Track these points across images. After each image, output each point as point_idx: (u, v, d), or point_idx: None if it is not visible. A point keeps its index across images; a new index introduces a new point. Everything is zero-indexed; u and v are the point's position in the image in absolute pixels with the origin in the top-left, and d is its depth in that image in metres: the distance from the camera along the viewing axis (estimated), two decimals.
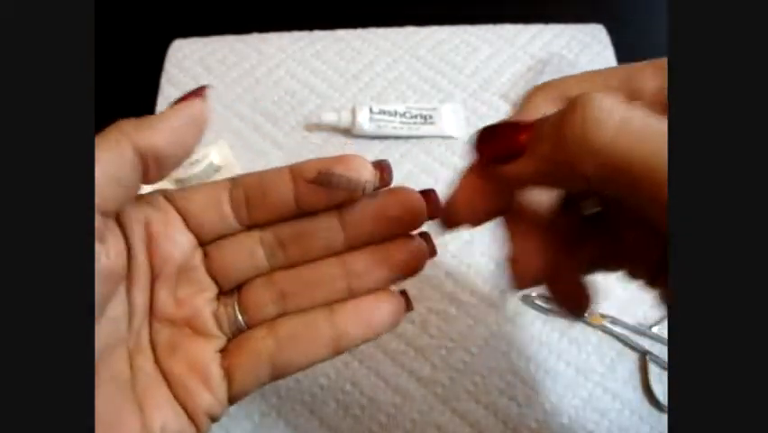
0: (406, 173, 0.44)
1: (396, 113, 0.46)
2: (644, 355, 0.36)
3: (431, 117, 0.46)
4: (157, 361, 0.21)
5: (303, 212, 0.21)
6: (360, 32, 0.52)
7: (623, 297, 0.38)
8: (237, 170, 0.43)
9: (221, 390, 0.21)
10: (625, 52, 0.51)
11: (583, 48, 0.51)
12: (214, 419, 0.21)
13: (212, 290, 0.22)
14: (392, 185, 0.22)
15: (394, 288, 0.22)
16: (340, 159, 0.20)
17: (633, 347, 0.37)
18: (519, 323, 0.37)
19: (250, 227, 0.22)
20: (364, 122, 0.45)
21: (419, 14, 0.53)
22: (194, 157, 0.42)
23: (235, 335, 0.22)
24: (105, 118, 0.19)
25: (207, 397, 0.21)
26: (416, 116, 0.46)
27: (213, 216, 0.21)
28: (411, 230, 0.22)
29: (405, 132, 0.45)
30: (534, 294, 0.38)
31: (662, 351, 0.36)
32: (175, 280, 0.21)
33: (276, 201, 0.21)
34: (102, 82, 0.34)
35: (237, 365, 0.21)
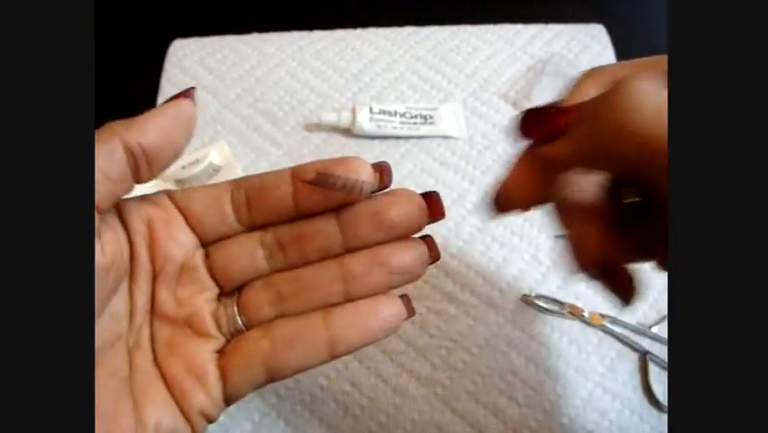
0: (406, 173, 0.44)
1: (396, 113, 0.46)
2: (644, 355, 0.36)
3: (431, 117, 0.46)
4: (156, 359, 0.21)
5: (302, 214, 0.21)
6: (360, 31, 0.52)
7: None
8: (237, 170, 0.43)
9: (216, 390, 0.21)
10: (625, 52, 0.51)
11: (583, 48, 0.51)
12: (209, 419, 0.21)
13: (212, 291, 0.22)
14: (392, 185, 0.21)
15: (395, 292, 0.22)
16: (339, 160, 0.20)
17: (633, 347, 0.37)
18: (519, 323, 0.37)
19: (251, 229, 0.22)
20: (364, 122, 0.45)
21: (419, 14, 0.53)
22: (194, 157, 0.42)
23: (234, 336, 0.22)
24: (106, 118, 0.19)
25: (202, 397, 0.20)
26: (416, 116, 0.46)
27: (214, 216, 0.21)
28: (412, 233, 0.21)
29: (405, 132, 0.45)
30: (534, 294, 0.38)
31: (662, 351, 0.36)
32: (176, 279, 0.21)
33: (276, 203, 0.21)
34: (102, 82, 0.34)
35: (232, 366, 0.21)
